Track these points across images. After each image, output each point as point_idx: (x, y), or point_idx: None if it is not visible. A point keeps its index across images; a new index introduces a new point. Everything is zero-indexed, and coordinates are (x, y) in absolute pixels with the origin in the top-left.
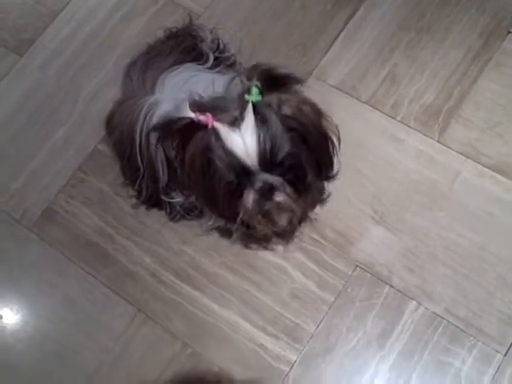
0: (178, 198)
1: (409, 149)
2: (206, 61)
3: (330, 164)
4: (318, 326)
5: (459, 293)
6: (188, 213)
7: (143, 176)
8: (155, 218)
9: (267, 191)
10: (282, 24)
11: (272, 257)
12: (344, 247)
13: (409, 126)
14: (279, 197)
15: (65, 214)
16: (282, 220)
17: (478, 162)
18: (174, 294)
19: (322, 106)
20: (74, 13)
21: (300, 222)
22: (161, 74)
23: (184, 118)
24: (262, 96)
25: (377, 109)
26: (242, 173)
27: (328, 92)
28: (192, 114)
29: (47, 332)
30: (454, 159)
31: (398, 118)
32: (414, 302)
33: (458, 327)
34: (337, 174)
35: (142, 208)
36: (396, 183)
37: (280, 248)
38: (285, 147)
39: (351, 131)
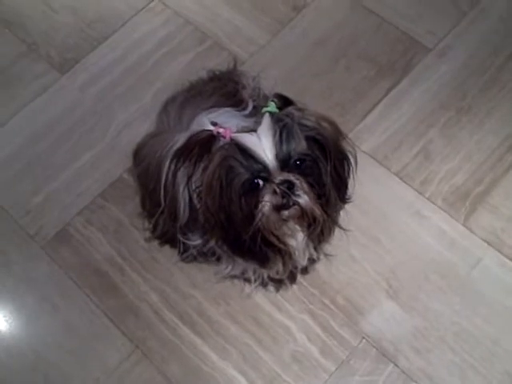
0: (195, 241)
1: (432, 227)
2: (245, 108)
3: (344, 184)
4: None
5: (464, 382)
6: (204, 258)
7: (162, 212)
8: (168, 256)
9: (286, 188)
10: (325, 82)
11: (278, 314)
12: (353, 317)
13: (435, 205)
14: (299, 192)
15: (79, 237)
16: (301, 226)
17: (501, 252)
18: (174, 336)
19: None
20: (121, 41)
21: (319, 239)
22: (199, 114)
23: (204, 131)
24: (280, 110)
25: (406, 182)
26: (261, 172)
27: (359, 157)
28: (212, 127)
29: (41, 353)
30: (476, 245)
31: (426, 195)
32: None
33: None
34: (350, 198)
35: (155, 243)
36: (415, 260)
37: (288, 307)
38: (302, 148)
39: (377, 200)
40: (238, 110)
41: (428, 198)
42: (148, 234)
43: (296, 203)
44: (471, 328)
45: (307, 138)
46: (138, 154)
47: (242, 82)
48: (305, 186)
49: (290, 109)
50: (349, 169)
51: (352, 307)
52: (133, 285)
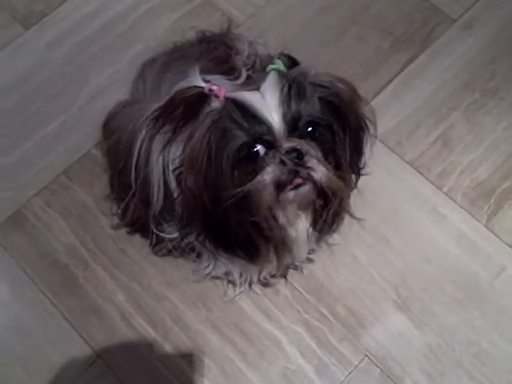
0: (170, 234)
1: (450, 228)
2: (238, 77)
3: (359, 154)
4: None
5: None
6: (181, 253)
7: (133, 195)
8: (138, 248)
9: (296, 158)
10: (331, 53)
11: (267, 324)
12: (354, 330)
13: (454, 201)
14: (311, 164)
15: (36, 222)
16: (306, 211)
17: None
18: (144, 345)
19: None
20: None
21: (327, 227)
22: (181, 81)
23: (192, 88)
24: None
25: (421, 173)
26: (263, 135)
27: None
28: (203, 84)
29: None
30: (500, 251)
31: (444, 190)
32: None
33: None
34: (364, 168)
35: (124, 231)
36: (429, 266)
37: (279, 316)
38: (315, 110)
39: (386, 194)
40: (229, 79)
41: (446, 193)
42: (116, 220)
43: (308, 178)
44: (492, 349)
45: (321, 101)
46: (107, 126)
47: (236, 46)
48: (319, 155)
49: (300, 67)
50: (366, 137)
51: (354, 319)
52: (97, 282)
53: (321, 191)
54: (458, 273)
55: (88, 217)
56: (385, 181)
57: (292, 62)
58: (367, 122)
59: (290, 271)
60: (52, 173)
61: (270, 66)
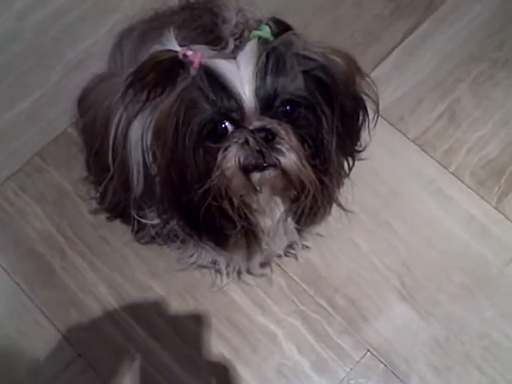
0: (152, 220)
1: (457, 210)
2: (224, 47)
3: (353, 138)
4: None
5: None
6: (165, 240)
7: (112, 178)
8: (120, 235)
9: (263, 138)
10: (328, 20)
11: (261, 316)
12: (356, 323)
13: (462, 182)
14: (281, 147)
15: (9, 207)
16: (282, 197)
17: None
18: (127, 340)
19: None
20: None
21: (307, 219)
22: None
23: (166, 52)
24: (275, 38)
25: (425, 151)
26: (231, 111)
27: None
28: (177, 48)
29: None
30: None
31: (451, 169)
32: None
33: None
34: (363, 151)
35: (103, 217)
36: (434, 252)
37: (274, 308)
38: (297, 86)
39: (388, 174)
40: (214, 50)
41: (453, 173)
42: (95, 204)
43: (274, 162)
44: (504, 341)
45: (307, 76)
46: (82, 102)
47: (223, 14)
48: (292, 139)
49: (287, 34)
50: (364, 118)
51: (355, 310)
52: (76, 272)
53: (289, 178)
54: (466, 259)
55: (65, 202)
56: (386, 160)
57: (283, 29)
58: (367, 100)
59: (285, 259)
60: (26, 154)
61: (254, 33)
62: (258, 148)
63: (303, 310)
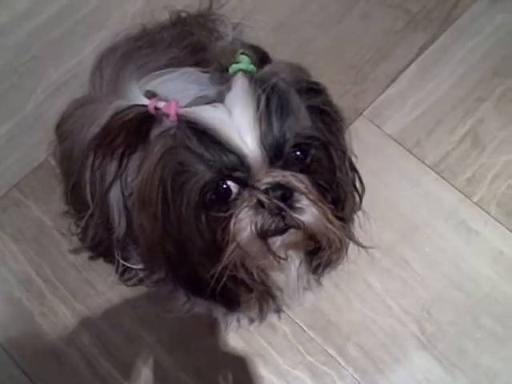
0: (138, 264)
1: (484, 246)
2: (216, 69)
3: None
4: None
5: None
6: (155, 285)
7: (92, 215)
8: (104, 276)
9: (280, 198)
10: (334, 36)
11: (263, 369)
12: (370, 376)
13: (488, 213)
14: (301, 205)
15: None
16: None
17: None
18: None
19: (371, 160)
20: None
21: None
22: (144, 75)
23: (132, 108)
24: (257, 69)
25: (446, 179)
26: (234, 169)
27: (381, 143)
28: (147, 101)
29: None
30: None
31: (475, 199)
32: None
33: None
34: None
35: (86, 256)
36: (458, 293)
37: (277, 358)
38: (305, 126)
39: (404, 205)
40: (205, 72)
41: (477, 204)
42: (77, 242)
43: (297, 224)
44: None
45: (311, 110)
46: (59, 130)
47: (218, 29)
48: (312, 191)
49: (278, 65)
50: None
51: (369, 361)
52: (56, 319)
53: (314, 236)
54: (494, 301)
55: (44, 239)
56: (401, 189)
57: (262, 57)
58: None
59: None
60: (2, 187)
61: (234, 66)
62: (276, 211)
63: (310, 361)
